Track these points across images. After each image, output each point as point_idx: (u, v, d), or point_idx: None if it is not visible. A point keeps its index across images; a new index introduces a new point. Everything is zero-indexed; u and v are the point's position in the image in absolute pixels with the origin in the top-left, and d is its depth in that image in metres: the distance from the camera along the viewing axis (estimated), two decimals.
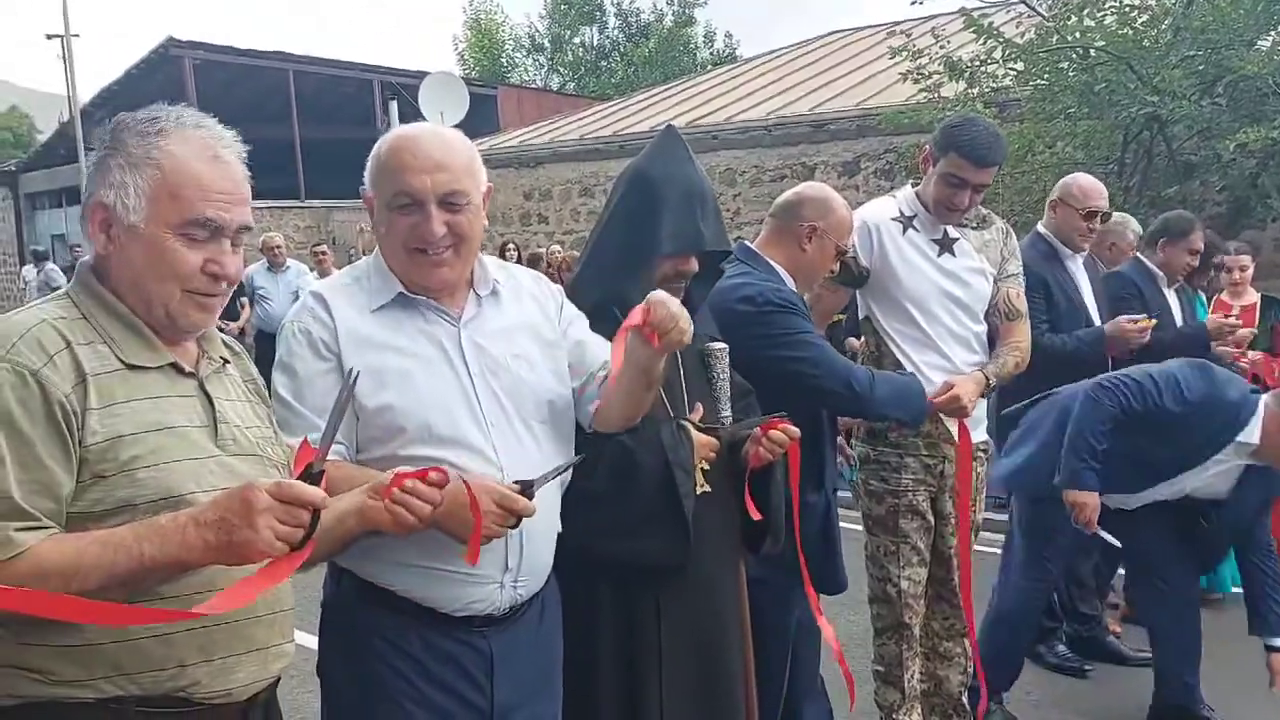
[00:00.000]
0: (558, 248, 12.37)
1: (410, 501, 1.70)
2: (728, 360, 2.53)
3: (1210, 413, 3.41)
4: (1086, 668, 4.41)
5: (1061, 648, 4.51)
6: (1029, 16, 9.70)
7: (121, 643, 1.49)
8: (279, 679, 1.73)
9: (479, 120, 15.95)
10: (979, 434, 3.42)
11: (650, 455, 2.25)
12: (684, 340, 1.99)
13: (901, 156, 10.94)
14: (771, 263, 3.04)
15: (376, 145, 2.05)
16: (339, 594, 2.03)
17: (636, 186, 2.49)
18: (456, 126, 2.28)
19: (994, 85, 9.15)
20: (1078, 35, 8.38)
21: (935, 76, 9.33)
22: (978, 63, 9.03)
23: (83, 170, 15.38)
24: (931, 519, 3.33)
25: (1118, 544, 3.62)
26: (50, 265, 16.26)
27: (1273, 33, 8.07)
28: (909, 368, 3.25)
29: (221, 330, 1.80)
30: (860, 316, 3.43)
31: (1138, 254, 4.77)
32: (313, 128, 21.58)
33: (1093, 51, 8.30)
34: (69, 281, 1.69)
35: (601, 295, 2.35)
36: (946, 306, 3.30)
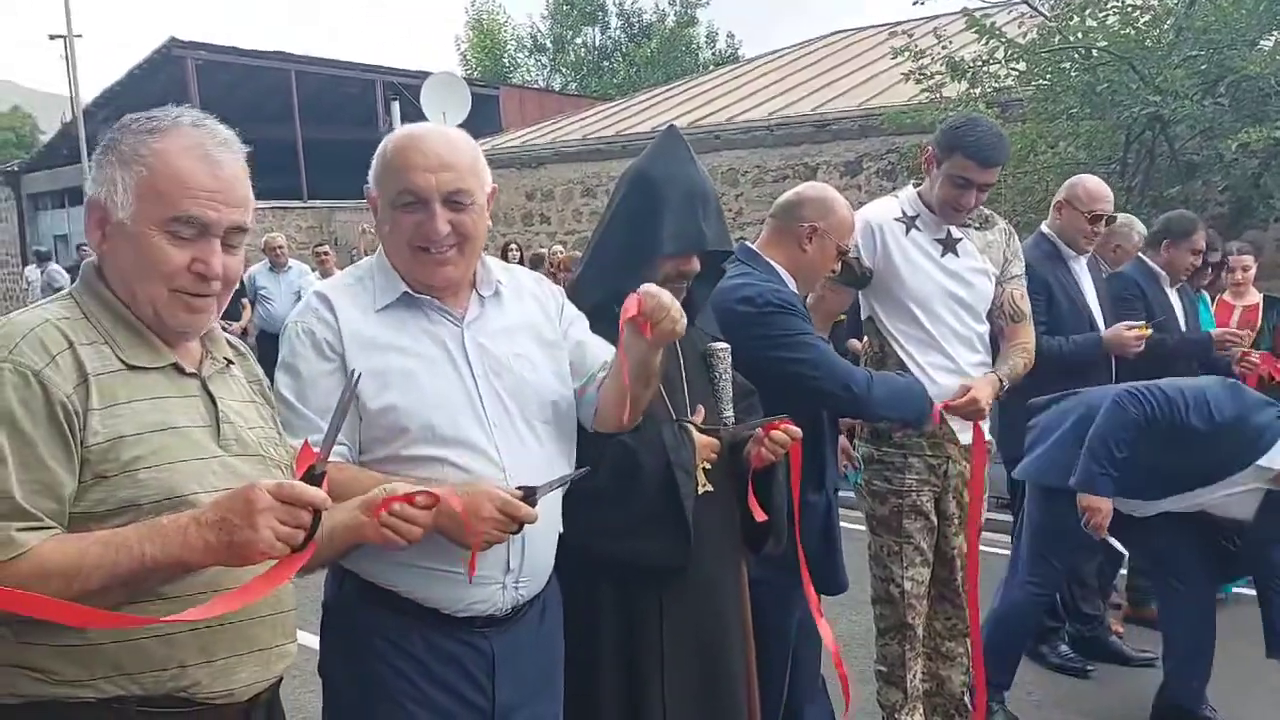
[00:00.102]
0: (560, 248, 12.36)
1: (398, 525, 1.72)
2: (730, 361, 2.53)
3: (1234, 434, 3.40)
4: (1089, 668, 4.40)
5: (1064, 648, 4.50)
6: (1031, 17, 9.69)
7: (123, 643, 1.49)
8: (281, 679, 1.73)
9: (481, 120, 15.93)
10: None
11: (652, 456, 2.25)
12: (677, 331, 2.00)
13: (904, 157, 10.90)
14: (772, 263, 3.03)
15: (382, 144, 2.06)
16: (341, 594, 2.03)
17: (638, 187, 2.49)
18: (459, 127, 2.27)
19: (996, 85, 9.12)
20: (1080, 35, 8.35)
21: (937, 77, 9.30)
22: (980, 63, 9.01)
23: (85, 170, 15.41)
24: (935, 519, 3.34)
25: (1125, 551, 3.61)
26: (53, 265, 16.29)
27: (1275, 33, 8.04)
28: (913, 368, 3.25)
29: (224, 330, 1.80)
30: (864, 317, 3.43)
31: (1140, 254, 4.77)
32: (315, 128, 21.61)
33: (1095, 52, 8.28)
34: (72, 281, 1.68)
35: (603, 295, 2.35)
36: (950, 307, 3.30)
